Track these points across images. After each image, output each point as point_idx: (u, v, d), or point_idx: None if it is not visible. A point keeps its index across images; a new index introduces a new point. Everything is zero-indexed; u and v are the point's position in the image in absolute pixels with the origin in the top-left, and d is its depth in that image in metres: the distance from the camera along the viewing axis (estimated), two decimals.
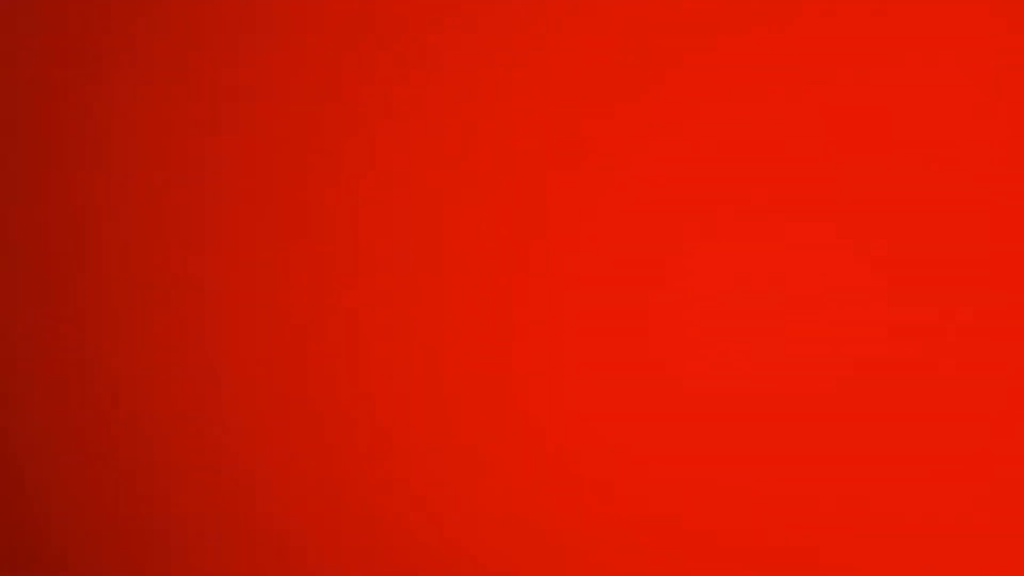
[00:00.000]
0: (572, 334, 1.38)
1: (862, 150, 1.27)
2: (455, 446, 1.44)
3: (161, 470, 1.58)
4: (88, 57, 1.58)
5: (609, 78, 1.35)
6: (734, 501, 1.33)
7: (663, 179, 1.34)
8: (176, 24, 1.54)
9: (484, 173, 1.41)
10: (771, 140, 1.30)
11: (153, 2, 1.54)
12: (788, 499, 1.31)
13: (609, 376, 1.37)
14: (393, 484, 1.47)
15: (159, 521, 1.58)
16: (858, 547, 1.29)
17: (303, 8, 1.48)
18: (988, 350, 1.24)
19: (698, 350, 1.34)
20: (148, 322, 1.57)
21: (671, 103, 1.33)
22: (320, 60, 1.47)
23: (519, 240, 1.40)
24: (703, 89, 1.32)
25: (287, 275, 1.51)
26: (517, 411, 1.41)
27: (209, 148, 1.53)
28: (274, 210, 1.51)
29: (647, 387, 1.36)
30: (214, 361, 1.55)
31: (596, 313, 1.37)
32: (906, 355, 1.27)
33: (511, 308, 1.41)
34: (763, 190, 1.30)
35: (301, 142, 1.49)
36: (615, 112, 1.35)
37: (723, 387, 1.33)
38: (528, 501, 1.41)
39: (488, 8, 1.40)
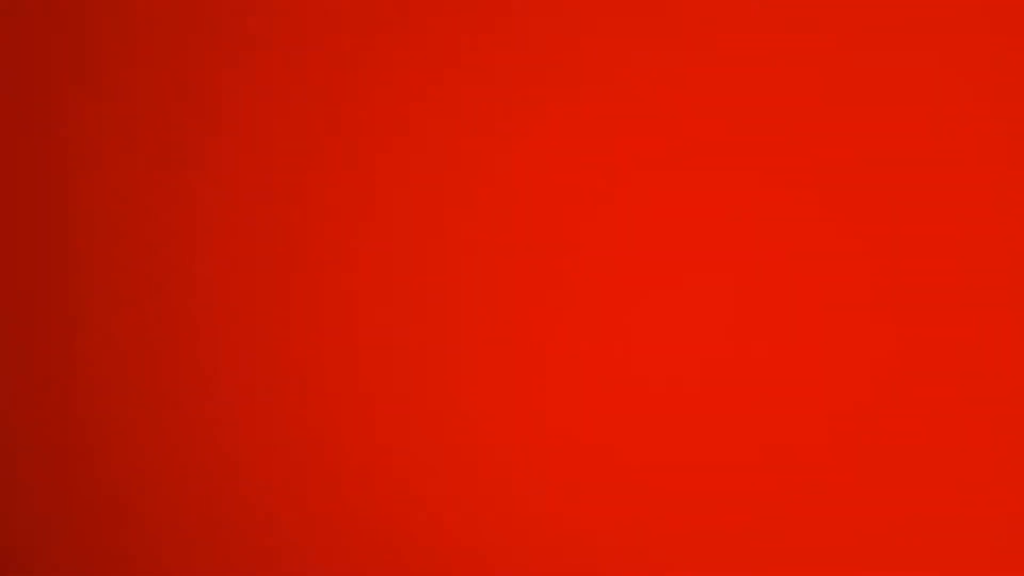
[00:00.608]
0: (571, 335, 1.38)
1: (859, 153, 1.27)
2: (452, 447, 1.44)
3: (150, 473, 1.58)
4: (80, 56, 1.59)
5: (607, 79, 1.35)
6: (733, 501, 1.33)
7: (661, 182, 1.34)
8: (171, 22, 1.54)
9: (481, 175, 1.41)
10: (768, 144, 1.30)
11: (149, 1, 1.55)
12: (785, 499, 1.31)
13: (606, 376, 1.37)
14: (388, 486, 1.47)
15: (150, 524, 1.58)
16: (856, 548, 1.29)
17: (302, 8, 1.48)
18: (983, 353, 1.24)
19: (698, 352, 1.34)
20: (139, 323, 1.57)
21: (670, 105, 1.33)
22: (318, 59, 1.48)
23: (517, 241, 1.40)
24: (703, 90, 1.32)
25: (280, 276, 1.51)
26: (515, 410, 1.41)
27: (202, 147, 1.53)
28: (267, 211, 1.51)
29: (643, 387, 1.36)
30: (205, 362, 1.55)
31: (594, 313, 1.37)
32: (903, 357, 1.26)
33: (511, 307, 1.41)
34: (762, 194, 1.30)
35: (295, 142, 1.49)
36: (613, 116, 1.35)
37: (722, 388, 1.33)
38: (527, 499, 1.41)
39: (486, 9, 1.40)
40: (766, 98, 1.30)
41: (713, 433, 1.34)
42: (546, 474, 1.40)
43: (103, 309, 1.60)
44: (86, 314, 1.61)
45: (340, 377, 1.49)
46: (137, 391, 1.59)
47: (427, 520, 1.46)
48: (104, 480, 1.61)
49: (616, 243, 1.36)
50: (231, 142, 1.52)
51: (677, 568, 1.35)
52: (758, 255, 1.31)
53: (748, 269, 1.32)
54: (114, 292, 1.59)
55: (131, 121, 1.57)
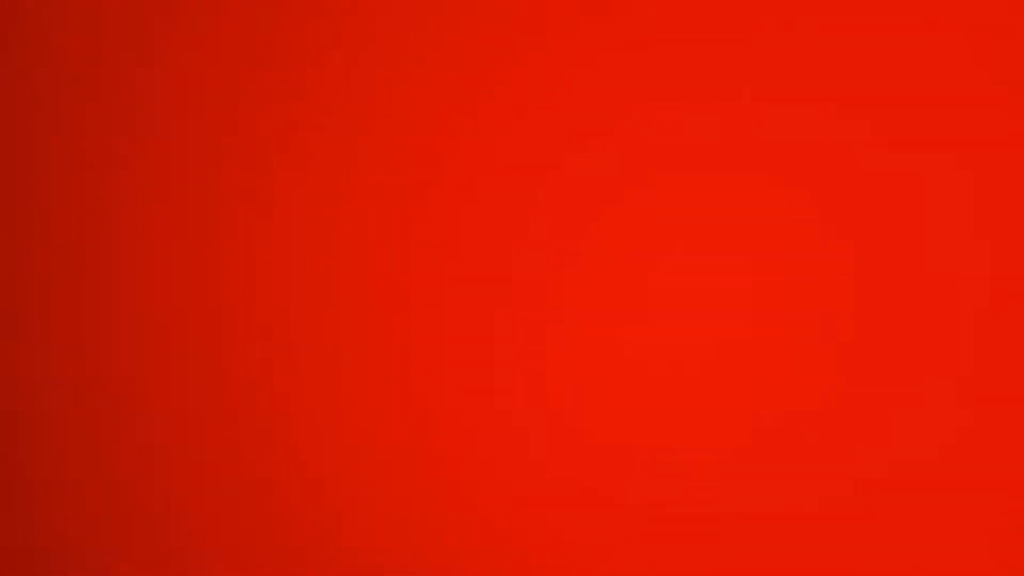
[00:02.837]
0: (559, 338, 1.38)
1: (858, 153, 1.27)
2: (445, 448, 1.44)
3: (168, 470, 1.58)
4: (110, 56, 1.59)
5: (603, 81, 1.35)
6: (724, 504, 1.33)
7: (653, 185, 1.34)
8: (191, 24, 1.54)
9: (475, 175, 1.41)
10: (768, 140, 1.30)
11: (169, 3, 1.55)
12: (784, 506, 1.31)
13: (594, 380, 1.37)
14: (391, 488, 1.47)
15: (167, 522, 1.58)
16: (855, 549, 1.29)
17: (303, 8, 1.48)
18: (982, 353, 1.24)
19: (688, 353, 1.34)
20: (158, 322, 1.57)
21: (668, 107, 1.33)
22: (317, 60, 1.47)
23: (506, 244, 1.40)
24: (702, 92, 1.32)
25: (291, 277, 1.51)
26: (511, 412, 1.41)
27: (220, 148, 1.53)
28: (278, 212, 1.51)
29: (638, 389, 1.36)
30: (222, 360, 1.55)
31: (583, 316, 1.37)
32: (900, 361, 1.27)
33: (499, 309, 1.41)
34: (761, 194, 1.30)
35: (310, 144, 1.49)
36: (606, 116, 1.35)
37: (719, 391, 1.33)
38: (515, 505, 1.41)
39: (483, 9, 1.40)
40: (765, 97, 1.30)
41: (710, 436, 1.34)
42: (536, 477, 1.40)
43: (124, 304, 1.60)
44: (107, 309, 1.61)
45: (332, 377, 1.49)
46: (148, 391, 1.59)
47: (420, 523, 1.46)
48: (111, 479, 1.61)
49: (601, 245, 1.36)
50: (245, 142, 1.52)
51: (676, 570, 1.36)
52: (756, 257, 1.31)
53: (745, 271, 1.32)
54: (134, 287, 1.59)
55: (152, 118, 1.57)
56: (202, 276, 1.55)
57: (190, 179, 1.54)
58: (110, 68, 1.58)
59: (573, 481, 1.39)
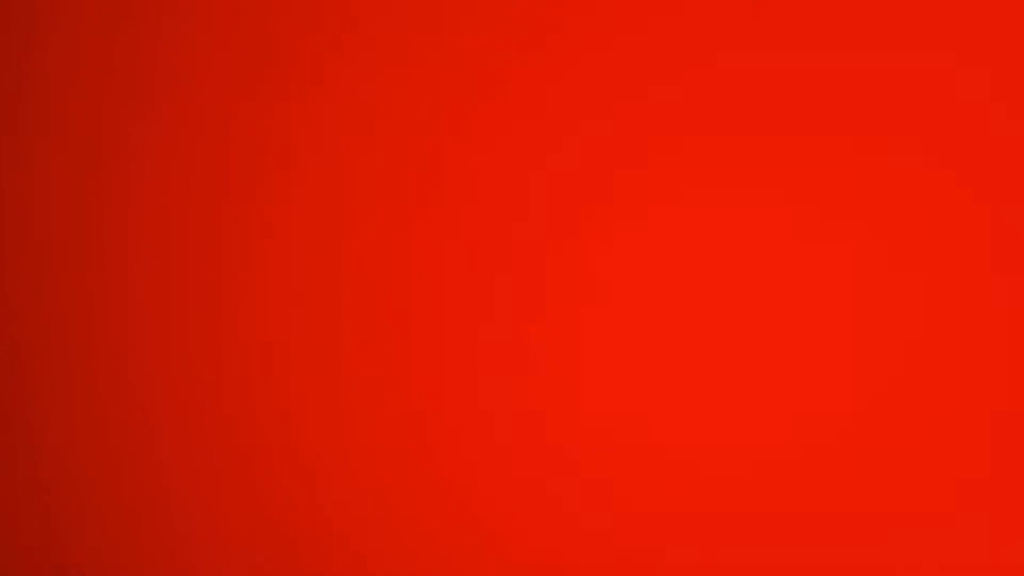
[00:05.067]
0: (559, 338, 1.38)
1: (857, 156, 1.27)
2: (446, 451, 1.44)
3: (167, 470, 1.58)
4: (111, 63, 1.59)
5: (605, 82, 1.35)
6: (724, 504, 1.33)
7: (652, 185, 1.34)
8: (190, 24, 1.54)
9: (474, 175, 1.41)
10: (765, 141, 1.30)
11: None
12: (779, 501, 1.31)
13: (594, 381, 1.37)
14: (391, 488, 1.47)
15: (167, 522, 1.59)
16: (854, 551, 1.29)
17: (296, 8, 1.48)
18: (982, 354, 1.24)
19: (688, 353, 1.34)
20: (161, 322, 1.58)
21: (667, 107, 1.33)
22: (314, 58, 1.47)
23: (505, 244, 1.40)
24: (701, 97, 1.32)
25: (296, 276, 1.51)
26: (503, 416, 1.41)
27: (220, 148, 1.53)
28: (282, 211, 1.51)
29: (631, 390, 1.36)
30: (224, 359, 1.55)
31: (581, 317, 1.37)
32: (901, 361, 1.27)
33: (499, 310, 1.41)
34: (754, 196, 1.30)
35: (307, 145, 1.49)
36: (605, 116, 1.35)
37: (713, 390, 1.33)
38: (515, 506, 1.41)
39: (479, 10, 1.40)
40: (764, 96, 1.29)
41: (709, 437, 1.34)
42: (536, 477, 1.41)
43: (125, 303, 1.60)
44: (109, 308, 1.61)
45: (331, 377, 1.49)
46: (150, 390, 1.59)
47: (422, 522, 1.46)
48: (113, 478, 1.61)
49: (610, 245, 1.36)
50: (243, 142, 1.52)
51: (676, 570, 1.36)
52: (754, 257, 1.31)
53: (745, 272, 1.32)
54: (135, 287, 1.59)
55: (151, 119, 1.57)
56: (202, 277, 1.55)
57: (191, 179, 1.55)
58: (119, 68, 1.58)
59: (572, 481, 1.39)
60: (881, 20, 1.26)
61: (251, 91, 1.51)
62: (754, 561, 1.33)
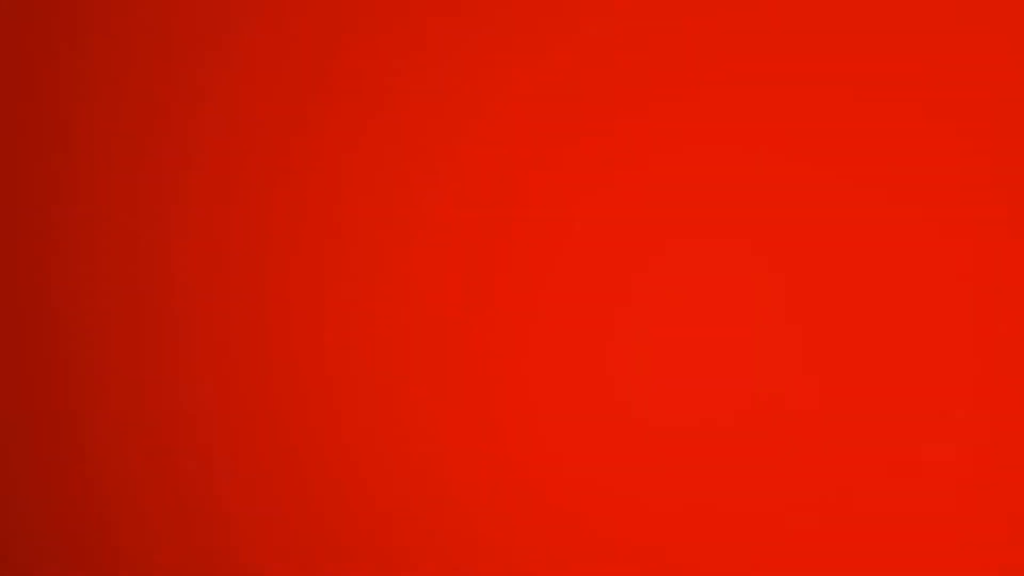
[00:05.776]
0: (558, 338, 1.38)
1: (853, 158, 1.27)
2: (445, 452, 1.44)
3: (167, 469, 1.58)
4: (64, 53, 1.58)
5: (589, 84, 1.35)
6: (723, 504, 1.33)
7: (652, 186, 1.34)
8: (156, 19, 1.54)
9: (474, 176, 1.41)
10: (761, 147, 1.30)
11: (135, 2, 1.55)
12: (779, 502, 1.31)
13: (593, 381, 1.37)
14: (359, 498, 1.47)
15: (125, 525, 1.58)
16: (852, 552, 1.29)
17: (287, 5, 1.48)
18: (982, 354, 1.24)
19: (688, 354, 1.34)
20: (118, 321, 1.58)
21: (666, 107, 1.33)
22: (303, 56, 1.47)
23: (505, 244, 1.40)
24: (696, 100, 1.32)
25: (262, 275, 1.51)
26: (502, 417, 1.41)
27: (183, 144, 1.53)
28: (248, 207, 1.51)
29: (631, 392, 1.36)
30: (186, 361, 1.55)
31: (580, 319, 1.37)
32: (900, 361, 1.27)
33: (498, 309, 1.41)
34: (752, 196, 1.30)
35: (276, 139, 1.49)
36: (604, 115, 1.35)
37: (713, 391, 1.33)
38: (514, 507, 1.41)
39: (475, 9, 1.40)
40: (762, 95, 1.30)
41: (709, 439, 1.34)
42: (535, 478, 1.40)
43: (83, 303, 1.60)
44: (67, 308, 1.60)
45: (331, 377, 1.49)
46: (108, 392, 1.58)
47: (420, 523, 1.46)
48: (69, 484, 1.61)
49: (610, 245, 1.36)
50: (212, 137, 1.52)
51: (674, 570, 1.36)
52: (754, 258, 1.31)
53: (744, 273, 1.32)
54: (93, 286, 1.59)
55: (112, 115, 1.57)
56: (202, 276, 1.54)
57: (191, 178, 1.55)
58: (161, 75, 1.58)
59: (572, 482, 1.39)
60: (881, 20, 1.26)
61: (262, 92, 1.51)
62: (754, 561, 1.32)
